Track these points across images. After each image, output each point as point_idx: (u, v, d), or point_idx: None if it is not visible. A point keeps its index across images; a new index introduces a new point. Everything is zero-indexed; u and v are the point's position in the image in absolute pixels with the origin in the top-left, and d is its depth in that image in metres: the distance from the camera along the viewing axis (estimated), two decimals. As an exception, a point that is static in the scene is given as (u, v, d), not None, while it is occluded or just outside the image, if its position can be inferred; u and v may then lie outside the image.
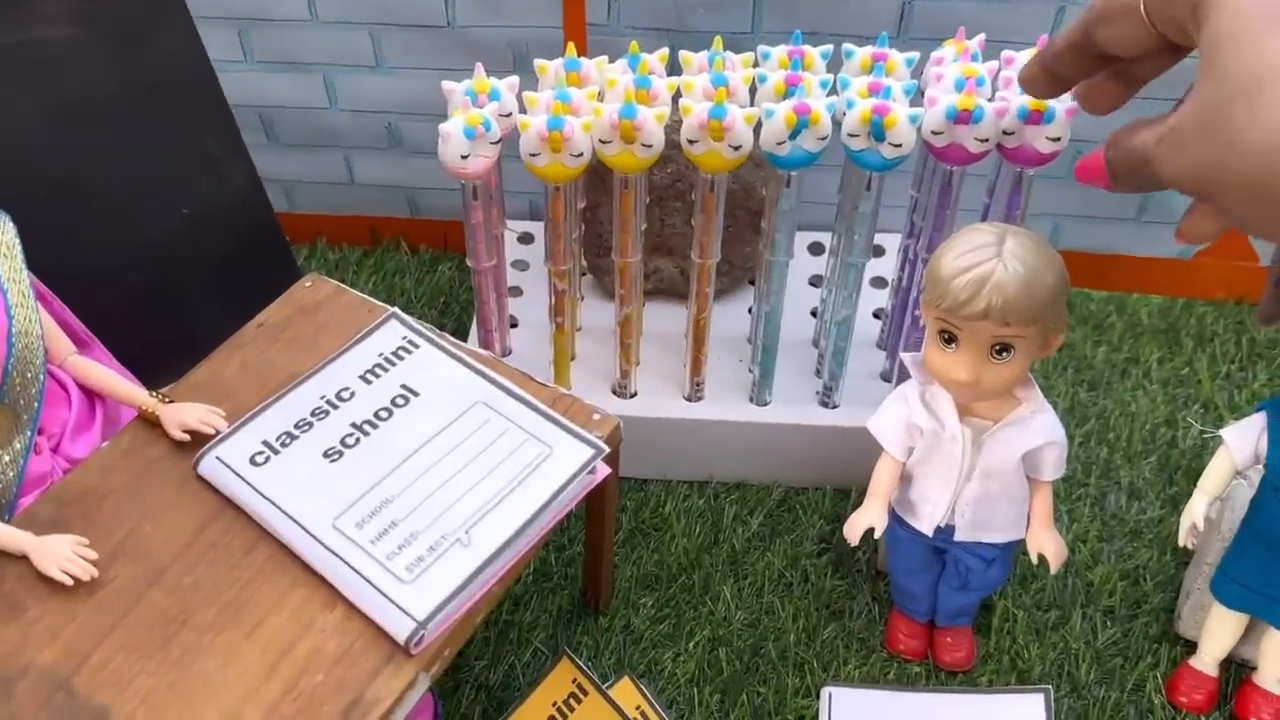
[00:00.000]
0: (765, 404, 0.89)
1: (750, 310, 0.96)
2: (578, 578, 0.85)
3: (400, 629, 0.56)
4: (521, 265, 1.03)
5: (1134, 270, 1.06)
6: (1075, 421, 0.97)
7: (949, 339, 0.65)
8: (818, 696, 0.77)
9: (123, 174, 0.82)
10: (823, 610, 0.83)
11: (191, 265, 0.89)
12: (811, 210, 1.05)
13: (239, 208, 0.91)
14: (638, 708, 0.75)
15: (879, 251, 1.03)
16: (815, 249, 1.05)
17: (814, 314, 0.98)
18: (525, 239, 1.06)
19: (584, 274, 1.00)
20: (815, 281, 1.02)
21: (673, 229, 0.95)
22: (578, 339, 0.95)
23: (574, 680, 0.75)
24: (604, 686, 0.76)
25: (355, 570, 0.58)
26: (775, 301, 0.83)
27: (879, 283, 1.00)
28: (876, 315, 0.98)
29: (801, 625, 0.82)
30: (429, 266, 1.11)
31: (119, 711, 0.54)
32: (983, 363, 0.65)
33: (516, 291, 0.99)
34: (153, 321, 0.85)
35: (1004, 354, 0.64)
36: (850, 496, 0.91)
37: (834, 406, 0.89)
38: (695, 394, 0.89)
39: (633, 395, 0.90)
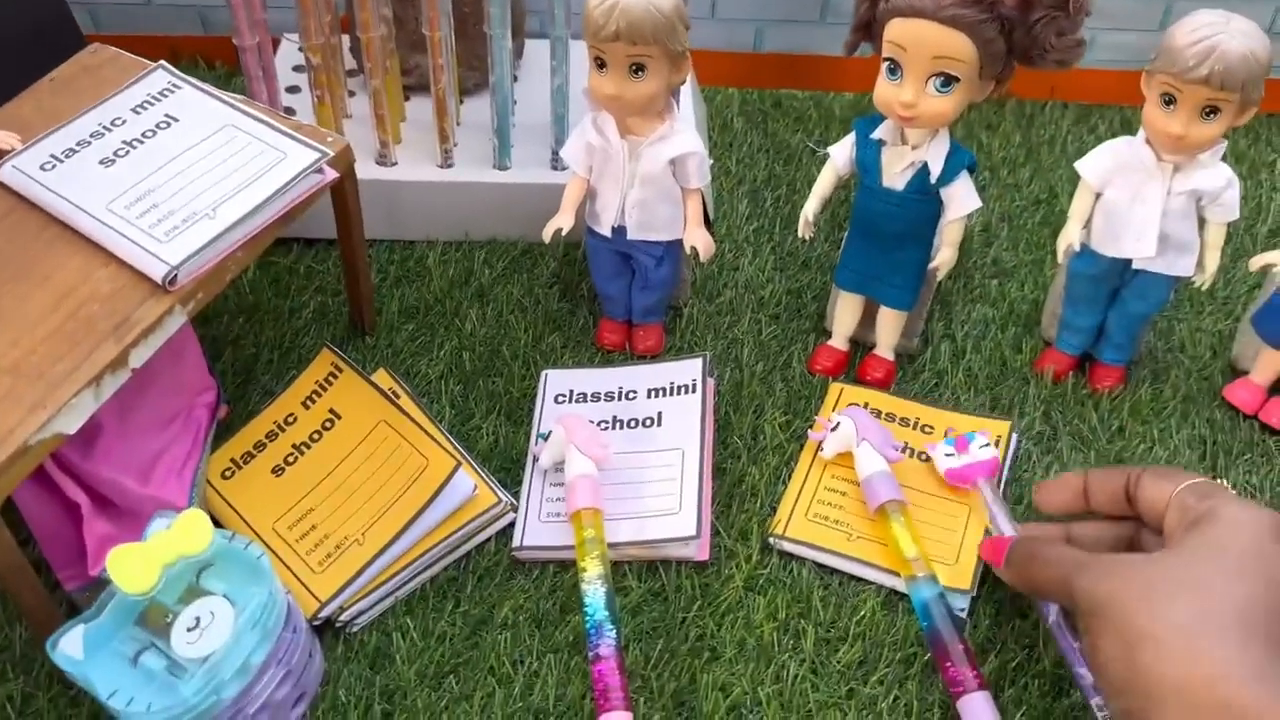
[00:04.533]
0: (505, 168, 1.08)
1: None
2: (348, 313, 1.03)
3: (157, 271, 0.73)
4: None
5: (828, 69, 1.27)
6: (770, 189, 1.18)
7: (601, 65, 0.84)
8: (539, 380, 0.97)
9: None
10: (549, 323, 1.03)
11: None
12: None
13: (50, 27, 1.04)
14: (390, 388, 0.93)
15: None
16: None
17: (554, 101, 1.16)
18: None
19: (357, 74, 1.17)
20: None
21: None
22: (354, 131, 1.11)
23: (332, 364, 0.93)
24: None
25: (125, 236, 0.75)
26: (500, 72, 1.02)
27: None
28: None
29: (531, 334, 1.02)
30: (224, 82, 1.26)
31: (-66, 335, 0.70)
32: (623, 81, 0.84)
33: (295, 90, 1.15)
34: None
35: (639, 73, 0.84)
36: (579, 247, 1.10)
37: (564, 169, 1.08)
38: (446, 161, 1.07)
39: (393, 164, 1.07)
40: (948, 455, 0.87)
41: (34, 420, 0.66)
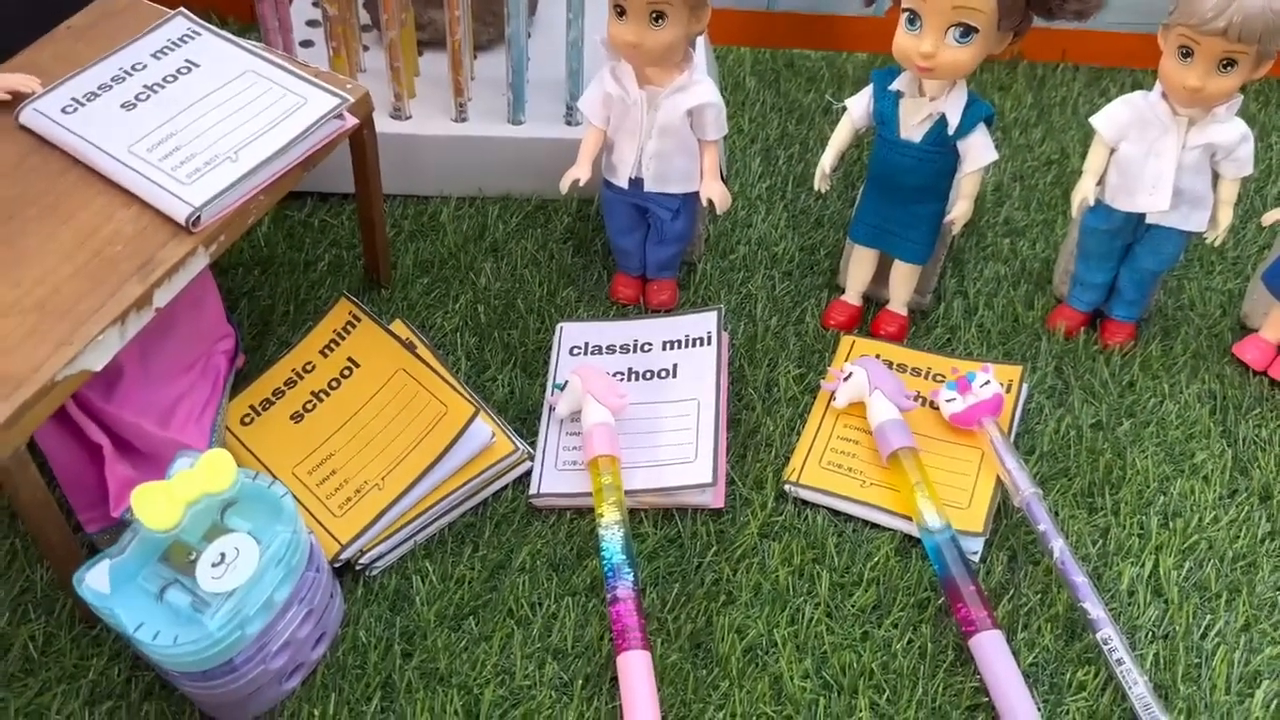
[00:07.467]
0: (520, 123, 1.08)
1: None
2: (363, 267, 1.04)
3: (180, 213, 0.74)
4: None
5: (842, 29, 1.27)
6: (782, 148, 1.18)
7: (621, 12, 0.85)
8: (554, 332, 0.98)
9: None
10: (564, 278, 1.03)
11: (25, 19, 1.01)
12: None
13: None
14: (407, 338, 0.94)
15: None
16: None
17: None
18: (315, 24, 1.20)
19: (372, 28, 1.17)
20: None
21: (443, -15, 1.11)
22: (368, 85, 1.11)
23: (350, 313, 0.93)
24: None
25: (147, 178, 0.75)
26: (516, 25, 1.01)
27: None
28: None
29: (546, 289, 1.02)
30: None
31: (-40, 273, 0.71)
32: (643, 28, 0.84)
33: (308, 44, 1.15)
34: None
35: (659, 20, 0.84)
36: (593, 203, 1.10)
37: (578, 124, 1.08)
38: (460, 115, 1.07)
39: (408, 118, 1.07)
40: (949, 400, 0.88)
41: (61, 356, 0.67)
